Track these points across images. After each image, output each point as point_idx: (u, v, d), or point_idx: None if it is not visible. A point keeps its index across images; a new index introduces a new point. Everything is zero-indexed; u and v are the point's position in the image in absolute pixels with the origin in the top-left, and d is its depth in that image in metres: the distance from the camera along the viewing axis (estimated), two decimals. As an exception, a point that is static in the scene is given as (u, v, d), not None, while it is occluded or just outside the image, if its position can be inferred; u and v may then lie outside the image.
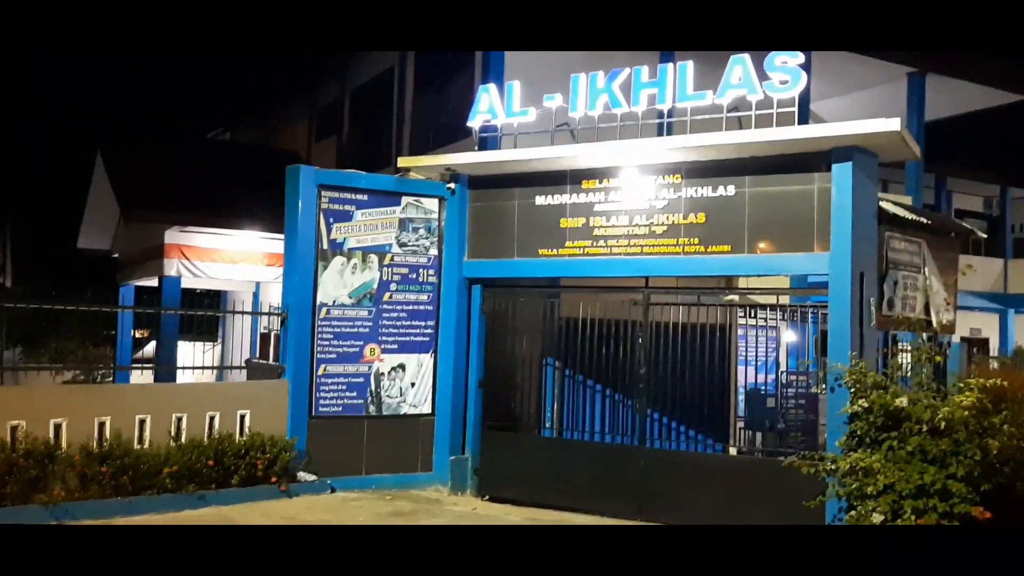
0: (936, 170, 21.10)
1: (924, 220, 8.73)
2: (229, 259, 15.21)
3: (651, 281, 9.23)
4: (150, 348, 19.53)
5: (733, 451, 9.75)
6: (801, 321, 10.60)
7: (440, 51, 13.60)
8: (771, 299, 9.65)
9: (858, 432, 7.28)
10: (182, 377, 12.59)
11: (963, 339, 17.07)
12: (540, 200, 9.56)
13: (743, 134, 8.17)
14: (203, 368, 10.26)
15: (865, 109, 15.35)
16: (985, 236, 11.28)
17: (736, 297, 10.15)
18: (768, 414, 10.93)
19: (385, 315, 9.84)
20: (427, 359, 9.98)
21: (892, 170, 15.08)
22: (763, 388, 11.51)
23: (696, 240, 8.70)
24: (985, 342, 22.15)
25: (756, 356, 11.23)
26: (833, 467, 7.22)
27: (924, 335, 8.45)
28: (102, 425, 8.24)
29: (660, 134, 9.01)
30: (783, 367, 12.32)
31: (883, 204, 8.34)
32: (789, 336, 13.51)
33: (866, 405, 7.22)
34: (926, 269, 8.97)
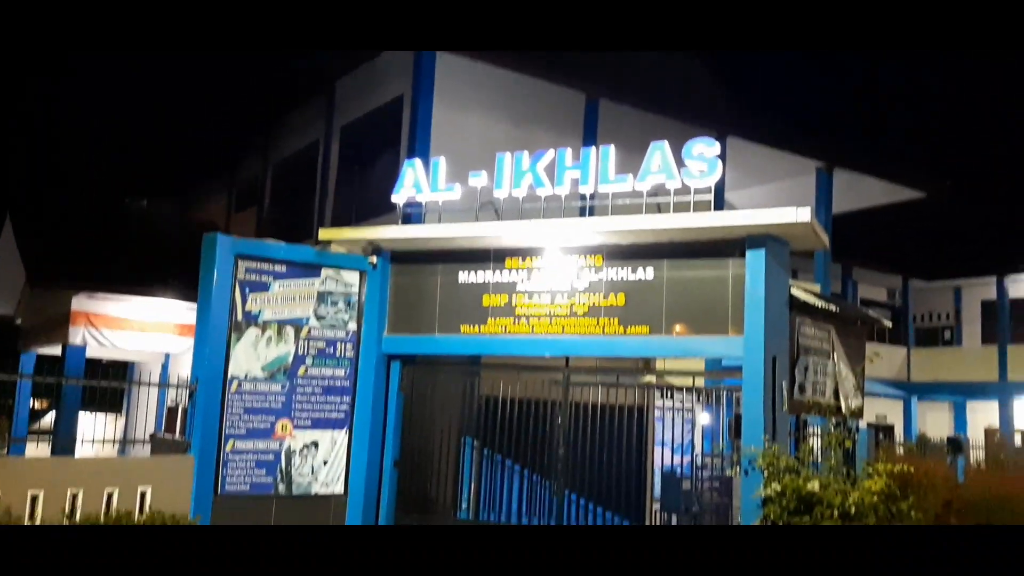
0: (842, 261, 22.01)
1: (833, 308, 9.03)
2: (139, 328, 14.72)
3: (571, 361, 9.27)
4: (48, 419, 18.61)
5: (649, 534, 9.67)
6: (716, 404, 10.77)
7: (375, 119, 13.69)
8: (687, 381, 9.78)
9: (771, 516, 7.35)
10: (81, 451, 11.98)
11: (869, 425, 17.50)
12: (463, 277, 9.57)
13: (662, 219, 8.37)
14: (104, 441, 9.76)
15: (776, 200, 16.01)
16: (890, 325, 11.69)
17: (653, 378, 10.26)
18: (684, 497, 10.96)
19: (299, 390, 9.59)
20: (341, 436, 9.73)
21: (801, 259, 15.66)
22: (678, 470, 11.57)
23: (616, 321, 8.80)
24: (891, 428, 22.85)
25: (672, 438, 11.33)
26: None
27: (834, 420, 8.64)
28: (-11, 501, 7.72)
29: (582, 215, 9.18)
30: (698, 449, 12.43)
31: (794, 291, 8.61)
32: (704, 418, 13.66)
33: (779, 489, 7.31)
34: (835, 355, 9.24)
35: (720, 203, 9.96)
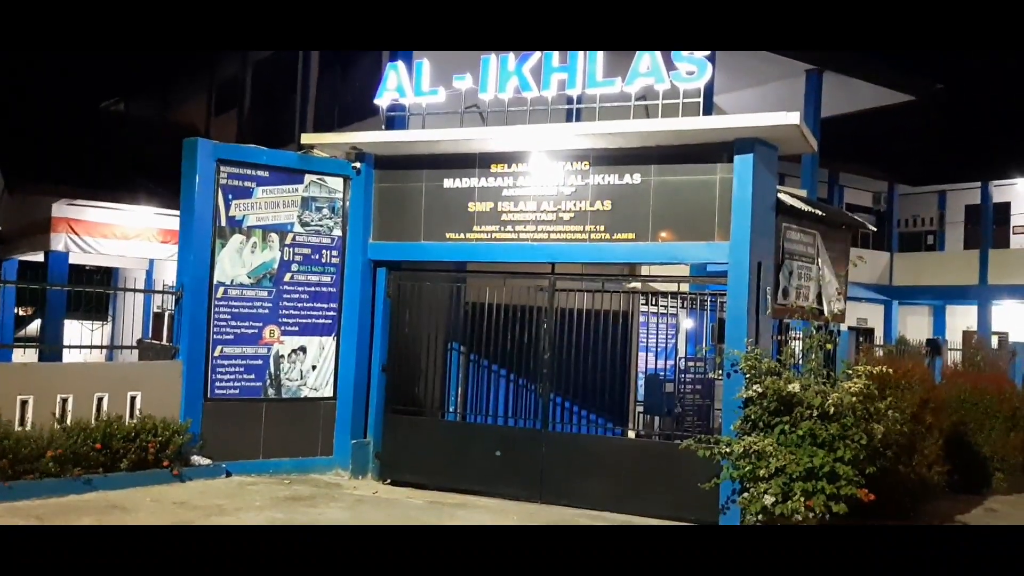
0: (829, 165, 21.95)
1: (819, 212, 9.03)
2: (121, 235, 14.60)
3: (557, 267, 9.28)
4: (34, 327, 18.63)
5: (632, 435, 9.91)
6: (700, 309, 10.87)
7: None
8: (672, 287, 9.84)
9: (752, 416, 7.50)
10: (68, 357, 12.03)
11: (850, 328, 17.80)
12: (448, 183, 9.47)
13: (650, 122, 8.27)
14: (91, 348, 9.78)
15: (764, 103, 15.80)
16: (875, 230, 11.75)
17: (638, 284, 10.31)
18: (666, 399, 11.18)
19: (286, 296, 9.61)
20: (329, 342, 9.80)
21: (788, 164, 15.58)
22: (662, 374, 11.76)
23: (602, 227, 8.77)
24: (871, 331, 23.23)
25: (656, 343, 11.46)
26: (728, 450, 7.42)
27: (815, 323, 8.75)
28: (-21, 406, 7.79)
29: (569, 120, 9.05)
30: (681, 353, 12.61)
31: (781, 196, 8.59)
32: (688, 323, 13.81)
33: (760, 390, 7.43)
34: (819, 260, 9.29)
35: (709, 107, 9.81)
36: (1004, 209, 24.90)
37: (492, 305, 9.39)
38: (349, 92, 13.33)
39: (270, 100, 16.47)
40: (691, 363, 12.56)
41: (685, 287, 9.81)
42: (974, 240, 24.88)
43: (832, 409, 7.12)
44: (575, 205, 8.91)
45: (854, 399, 7.21)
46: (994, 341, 20.25)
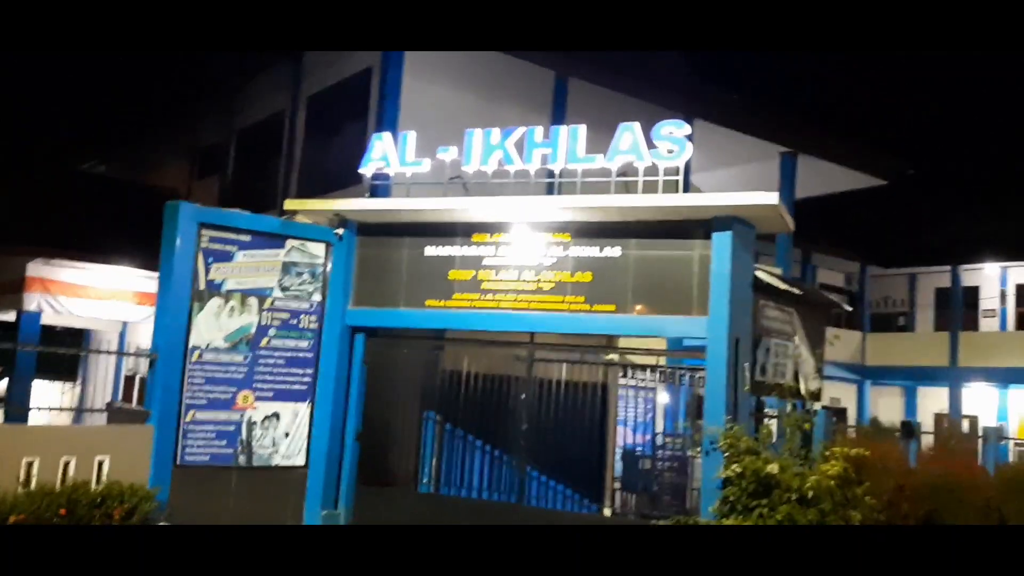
0: (803, 245, 22.33)
1: (796, 291, 9.15)
2: (96, 296, 14.46)
3: (536, 338, 9.29)
4: (1, 386, 18.24)
5: (608, 512, 9.81)
6: (677, 383, 10.89)
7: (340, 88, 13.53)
8: (651, 359, 9.87)
9: (731, 497, 7.45)
10: (36, 419, 11.77)
11: (824, 407, 17.84)
12: (430, 251, 9.52)
13: (630, 198, 8.40)
14: (60, 410, 9.59)
15: (740, 183, 16.11)
16: (850, 310, 11.91)
17: (616, 356, 10.33)
18: (642, 476, 11.11)
19: (262, 361, 9.51)
20: (303, 408, 9.67)
21: (763, 243, 15.81)
22: (639, 449, 11.71)
23: (582, 298, 8.82)
24: (843, 411, 23.31)
25: (634, 417, 11.43)
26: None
27: (792, 402, 8.78)
28: (-60, 468, 7.56)
29: (551, 193, 9.18)
30: (659, 428, 12.57)
31: (758, 273, 8.70)
32: (664, 398, 13.79)
33: (739, 470, 7.40)
34: (796, 338, 9.38)
35: (687, 184, 10.00)
36: (973, 293, 25.37)
37: (469, 374, 9.36)
38: (333, 159, 13.45)
39: (254, 165, 16.59)
40: (668, 439, 12.52)
41: (662, 360, 9.84)
42: (944, 322, 25.25)
43: (811, 493, 7.10)
44: (555, 276, 8.97)
45: (832, 482, 7.20)
46: (965, 424, 20.39)
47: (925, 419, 21.34)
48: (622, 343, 10.76)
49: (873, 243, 25.23)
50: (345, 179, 11.68)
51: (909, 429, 12.69)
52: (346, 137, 13.27)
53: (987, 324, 25.15)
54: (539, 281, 9.04)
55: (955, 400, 23.45)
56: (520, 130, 9.07)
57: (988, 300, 25.27)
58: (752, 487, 7.31)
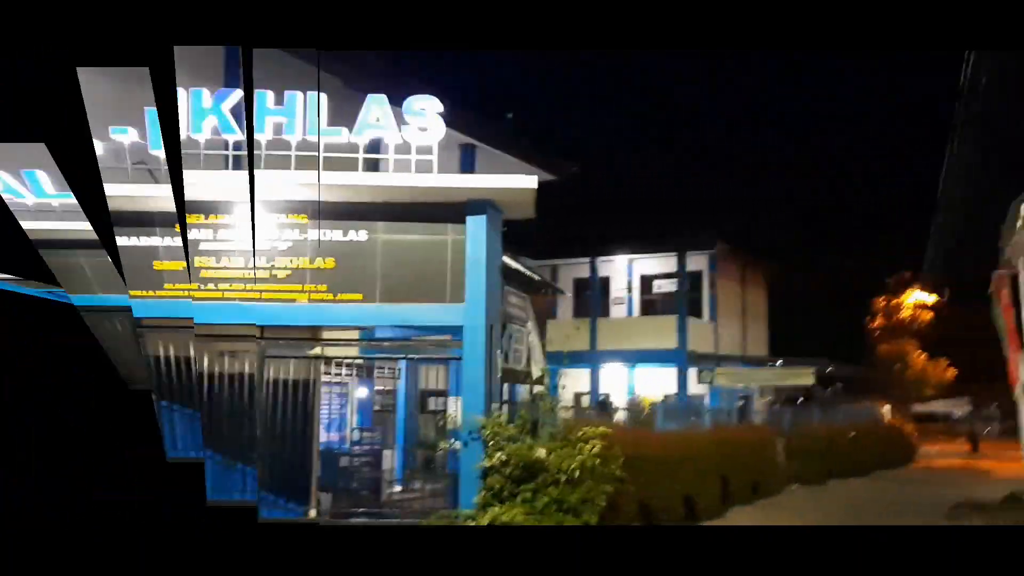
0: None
1: (536, 276, 9.18)
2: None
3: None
4: None
5: (313, 513, 9.08)
6: (368, 376, 10.41)
7: None
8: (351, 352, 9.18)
9: (495, 486, 7.22)
10: None
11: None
12: (122, 242, 7.82)
13: (382, 177, 7.80)
14: None
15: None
16: (568, 295, 12.29)
17: (320, 349, 9.49)
18: (341, 474, 10.52)
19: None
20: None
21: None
22: (336, 447, 11.07)
23: (324, 287, 8.00)
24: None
25: (328, 413, 10.74)
26: (472, 524, 7.05)
27: (536, 387, 8.79)
28: None
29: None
30: (353, 424, 12.02)
31: (506, 259, 8.57)
32: (361, 392, 13.22)
33: (504, 457, 7.20)
34: (529, 324, 9.42)
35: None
36: (604, 283, 27.91)
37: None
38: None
39: None
40: (364, 434, 12.01)
41: (355, 351, 9.16)
42: (583, 310, 27.47)
43: (576, 474, 7.11)
44: (291, 262, 8.04)
45: (597, 461, 7.28)
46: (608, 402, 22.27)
47: (565, 396, 22.82)
48: (325, 335, 9.95)
49: (523, 237, 26.62)
50: None
51: (604, 407, 13.47)
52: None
53: (617, 311, 27.80)
54: (272, 268, 8.04)
55: (595, 380, 25.56)
56: (237, 92, 7.88)
57: (618, 290, 27.94)
58: (517, 473, 7.16)
